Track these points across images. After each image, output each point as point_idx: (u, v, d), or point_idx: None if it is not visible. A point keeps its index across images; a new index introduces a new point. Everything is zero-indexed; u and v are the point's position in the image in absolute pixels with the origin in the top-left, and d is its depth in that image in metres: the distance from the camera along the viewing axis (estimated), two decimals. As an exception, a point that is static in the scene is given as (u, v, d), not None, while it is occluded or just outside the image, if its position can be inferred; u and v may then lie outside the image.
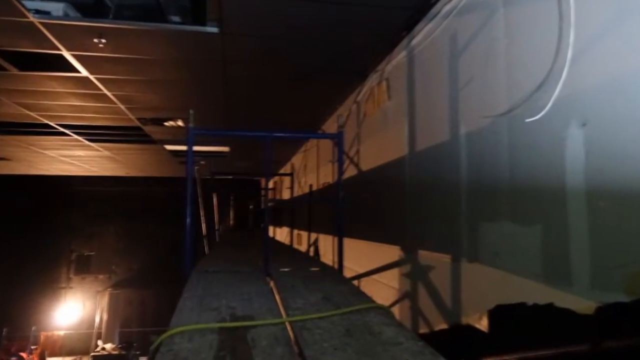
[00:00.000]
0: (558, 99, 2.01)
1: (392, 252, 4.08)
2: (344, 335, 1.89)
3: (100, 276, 15.91)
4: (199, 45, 4.21)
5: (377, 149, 4.66)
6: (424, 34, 3.54)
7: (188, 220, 3.62)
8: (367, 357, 1.65)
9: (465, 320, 2.81)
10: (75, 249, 16.02)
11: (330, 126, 6.99)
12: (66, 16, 3.62)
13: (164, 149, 9.81)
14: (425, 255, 3.47)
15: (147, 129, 7.79)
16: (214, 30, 3.85)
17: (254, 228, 13.01)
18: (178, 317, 2.16)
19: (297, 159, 10.50)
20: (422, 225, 3.58)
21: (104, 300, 15.21)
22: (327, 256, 6.47)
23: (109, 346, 14.02)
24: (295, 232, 9.52)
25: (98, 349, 13.96)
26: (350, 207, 4.82)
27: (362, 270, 4.92)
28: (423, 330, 3.42)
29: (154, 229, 16.07)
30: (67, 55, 4.38)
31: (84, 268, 15.87)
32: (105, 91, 5.59)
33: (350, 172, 5.52)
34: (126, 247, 16.21)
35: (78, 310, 15.35)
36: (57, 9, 3.58)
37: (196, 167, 10.98)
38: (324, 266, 4.26)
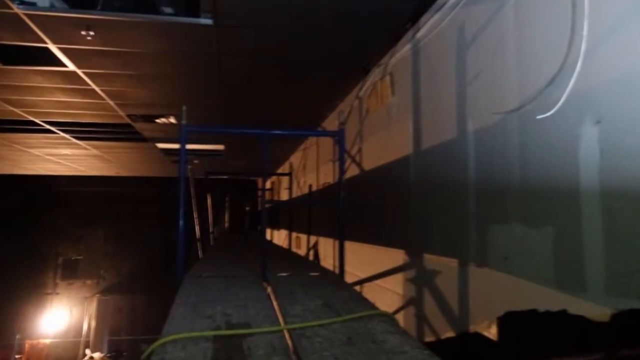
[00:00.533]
0: (571, 95, 2.01)
1: (396, 256, 4.08)
2: (345, 344, 1.90)
3: (88, 281, 15.91)
4: (193, 37, 4.21)
5: (381, 147, 4.66)
6: (430, 25, 3.54)
7: (181, 222, 3.63)
8: (369, 367, 1.65)
9: (473, 327, 2.81)
10: (62, 252, 16.01)
11: (331, 123, 6.99)
12: (52, 7, 3.62)
13: (156, 147, 9.81)
14: (431, 260, 3.47)
15: (138, 126, 7.79)
16: (208, 22, 3.84)
17: (251, 231, 13.02)
18: (170, 325, 2.16)
19: (295, 158, 10.50)
20: (427, 228, 3.58)
21: (92, 307, 15.20)
22: (328, 260, 6.47)
23: (97, 355, 14.01)
24: (294, 234, 9.52)
25: (86, 358, 13.96)
26: (352, 208, 4.82)
27: (364, 275, 4.92)
28: (429, 338, 3.42)
29: (145, 231, 16.07)
30: (54, 48, 4.38)
31: (71, 273, 15.86)
32: (94, 86, 5.59)
33: (351, 171, 5.52)
34: (116, 250, 16.21)
35: (65, 318, 15.34)
36: (43, -1, 3.59)
37: (189, 167, 10.95)
38: (324, 271, 4.26)
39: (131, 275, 16.02)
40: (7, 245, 15.26)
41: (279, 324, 2.20)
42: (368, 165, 5.12)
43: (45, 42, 4.23)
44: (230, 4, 3.59)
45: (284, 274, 3.75)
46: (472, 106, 2.95)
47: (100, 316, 14.99)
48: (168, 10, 3.78)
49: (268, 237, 12.79)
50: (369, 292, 4.69)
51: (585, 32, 1.92)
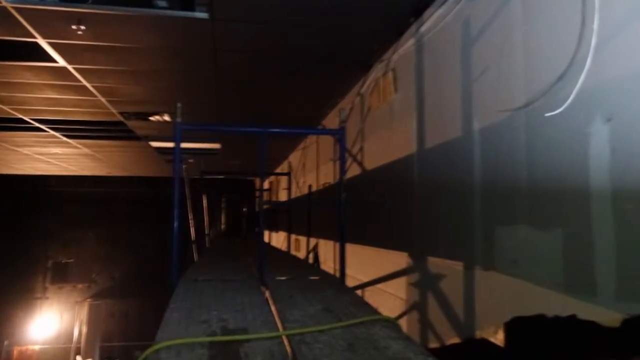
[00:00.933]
0: (581, 92, 2.01)
1: (399, 259, 4.08)
2: (346, 350, 1.90)
3: (79, 285, 15.90)
4: (188, 32, 4.21)
5: (383, 146, 4.66)
6: (434, 20, 3.54)
7: (175, 224, 3.63)
8: (371, 374, 1.65)
9: (479, 333, 2.81)
10: (52, 255, 16.00)
11: (331, 121, 6.99)
12: (42, 0, 3.62)
13: (149, 146, 9.81)
14: (435, 263, 3.47)
15: (131, 124, 7.79)
16: (204, 15, 3.84)
17: (248, 233, 13.02)
18: (164, 331, 2.16)
19: (294, 157, 10.50)
20: (432, 230, 3.58)
21: (83, 312, 15.19)
22: (328, 263, 6.47)
23: (88, 362, 14.02)
24: (293, 237, 9.52)
25: (77, 365, 13.96)
26: (353, 209, 4.82)
27: (366, 279, 4.92)
28: (433, 344, 3.41)
29: (138, 233, 16.07)
30: (43, 43, 4.38)
31: (61, 276, 15.85)
32: (85, 82, 5.59)
33: (353, 171, 5.52)
34: (108, 253, 16.20)
35: (55, 323, 15.34)
36: (32, -8, 3.58)
37: (184, 166, 10.99)
38: (324, 274, 4.26)
39: (124, 279, 16.01)
40: (-6, 248, 15.27)
41: (278, 330, 2.20)
42: (370, 164, 5.12)
43: (34, 37, 4.23)
44: (227, -3, 3.59)
45: (283, 278, 3.74)
46: (477, 103, 2.95)
47: (92, 321, 14.98)
48: (162, 3, 3.78)
49: (266, 239, 12.79)
50: (371, 296, 4.69)
51: (595, 26, 1.92)
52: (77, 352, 14.47)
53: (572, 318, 2.06)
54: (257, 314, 2.51)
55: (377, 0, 3.65)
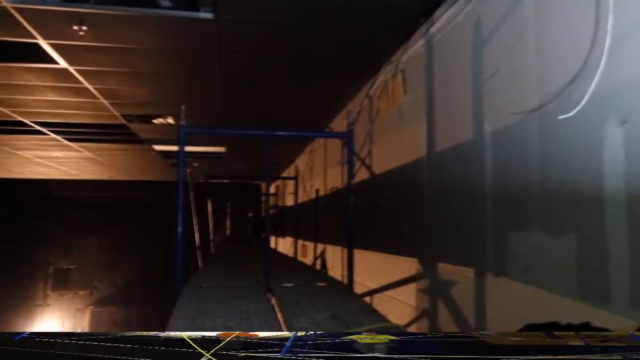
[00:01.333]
0: (595, 94, 2.01)
1: (409, 266, 4.09)
2: (353, 358, 1.91)
3: (81, 292, 15.99)
4: (192, 32, 4.24)
5: (392, 150, 4.67)
6: (445, 20, 3.56)
7: (179, 229, 3.66)
8: (379, 383, 1.67)
9: (491, 342, 2.82)
10: (53, 261, 16.10)
11: (339, 124, 7.01)
12: (43, 0, 3.67)
13: (152, 149, 9.85)
14: (445, 269, 3.48)
15: (134, 127, 7.84)
16: (209, 16, 3.87)
17: (254, 238, 13.05)
18: (168, 338, 2.18)
19: (301, 161, 10.52)
20: (442, 235, 3.58)
21: (85, 320, 15.29)
22: (336, 270, 6.48)
23: (90, 371, 14.07)
24: (300, 242, 9.54)
25: (78, 374, 14.02)
26: (362, 214, 4.83)
27: (374, 286, 4.92)
28: (444, 353, 3.41)
29: (142, 239, 16.13)
30: (44, 44, 4.43)
31: (62, 283, 15.95)
32: (87, 84, 5.63)
33: (361, 175, 5.53)
34: (110, 259, 16.28)
35: (56, 331, 15.42)
36: (34, -7, 3.63)
37: (188, 170, 11.04)
38: (331, 281, 4.28)
39: (127, 285, 16.07)
40: (-6, 254, 15.37)
41: (284, 337, 2.22)
42: (378, 168, 5.13)
43: (35, 38, 4.28)
44: (232, -3, 3.62)
45: (290, 285, 3.77)
46: (489, 106, 2.96)
47: (94, 329, 15.05)
48: (165, 3, 3.81)
49: (272, 245, 12.81)
50: (380, 303, 4.69)
51: (609, 27, 1.93)
52: (78, 361, 14.53)
53: (586, 325, 2.07)
54: (262, 321, 2.54)
55: (385, 0, 3.66)
